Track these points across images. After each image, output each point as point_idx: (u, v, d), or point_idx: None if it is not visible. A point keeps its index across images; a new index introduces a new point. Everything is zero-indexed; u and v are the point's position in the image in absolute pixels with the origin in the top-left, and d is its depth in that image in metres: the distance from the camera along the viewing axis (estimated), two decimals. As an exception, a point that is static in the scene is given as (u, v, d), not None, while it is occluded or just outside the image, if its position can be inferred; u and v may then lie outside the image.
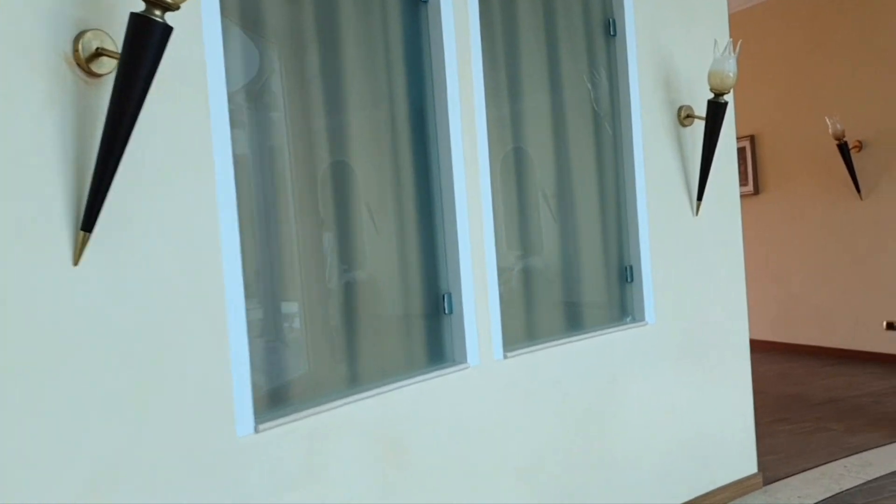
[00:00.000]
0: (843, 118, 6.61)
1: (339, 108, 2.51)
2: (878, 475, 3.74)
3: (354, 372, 2.48)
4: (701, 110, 3.47)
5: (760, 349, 7.57)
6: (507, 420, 2.84)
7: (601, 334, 3.25)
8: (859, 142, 6.73)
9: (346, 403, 2.33)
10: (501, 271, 2.95)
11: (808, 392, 5.68)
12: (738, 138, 7.88)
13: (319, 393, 2.34)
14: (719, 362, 3.68)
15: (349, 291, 2.51)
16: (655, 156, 3.45)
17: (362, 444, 2.36)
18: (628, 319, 3.42)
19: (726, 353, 3.72)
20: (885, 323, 6.74)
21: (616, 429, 3.25)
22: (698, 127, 3.53)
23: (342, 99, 2.51)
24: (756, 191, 7.78)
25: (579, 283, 3.34)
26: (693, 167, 3.56)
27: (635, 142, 3.36)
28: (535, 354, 2.97)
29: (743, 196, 7.93)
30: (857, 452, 4.13)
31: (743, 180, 7.92)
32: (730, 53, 3.32)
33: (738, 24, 7.75)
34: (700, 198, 3.54)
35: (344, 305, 2.50)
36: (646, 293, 3.39)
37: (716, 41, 3.34)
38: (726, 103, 3.38)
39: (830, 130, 6.63)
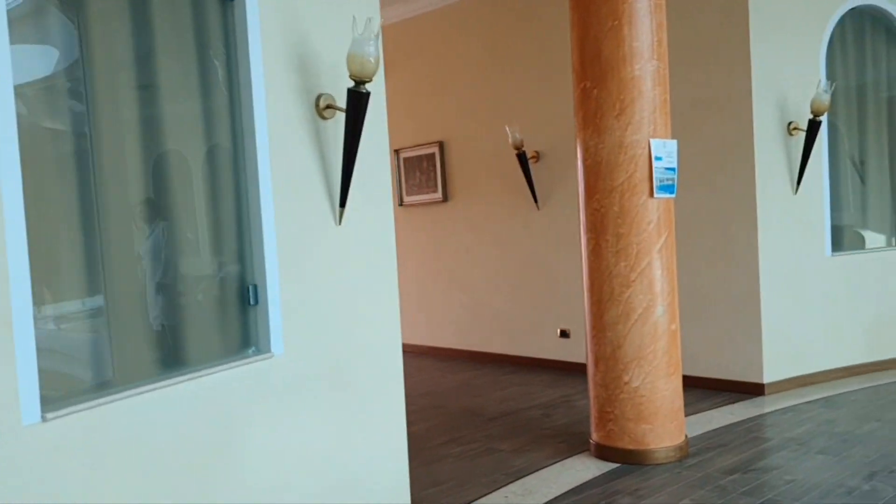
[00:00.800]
0: (522, 129, 6.61)
1: None
2: (536, 505, 3.50)
3: None
4: (344, 100, 2.94)
5: (446, 357, 7.44)
6: (54, 504, 2.06)
7: (212, 373, 2.58)
8: (537, 152, 6.79)
9: None
10: (57, 300, 2.16)
11: (484, 405, 5.50)
12: (427, 144, 7.73)
13: None
14: (368, 392, 3.19)
15: None
16: (287, 152, 2.86)
17: None
18: (251, 351, 2.78)
19: (377, 381, 3.23)
20: (558, 330, 6.91)
21: (235, 494, 2.60)
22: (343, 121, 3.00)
23: None
24: (445, 198, 7.64)
25: (182, 309, 2.64)
26: (336, 168, 3.02)
27: (259, 134, 2.74)
28: (105, 409, 2.22)
29: (432, 203, 7.82)
30: (520, 477, 3.88)
31: (433, 187, 7.77)
32: (372, 34, 2.82)
33: (418, 28, 7.57)
34: (343, 204, 3.02)
35: None
36: (272, 318, 2.78)
37: (354, 18, 2.83)
38: (369, 93, 2.88)
39: (510, 140, 6.60)
